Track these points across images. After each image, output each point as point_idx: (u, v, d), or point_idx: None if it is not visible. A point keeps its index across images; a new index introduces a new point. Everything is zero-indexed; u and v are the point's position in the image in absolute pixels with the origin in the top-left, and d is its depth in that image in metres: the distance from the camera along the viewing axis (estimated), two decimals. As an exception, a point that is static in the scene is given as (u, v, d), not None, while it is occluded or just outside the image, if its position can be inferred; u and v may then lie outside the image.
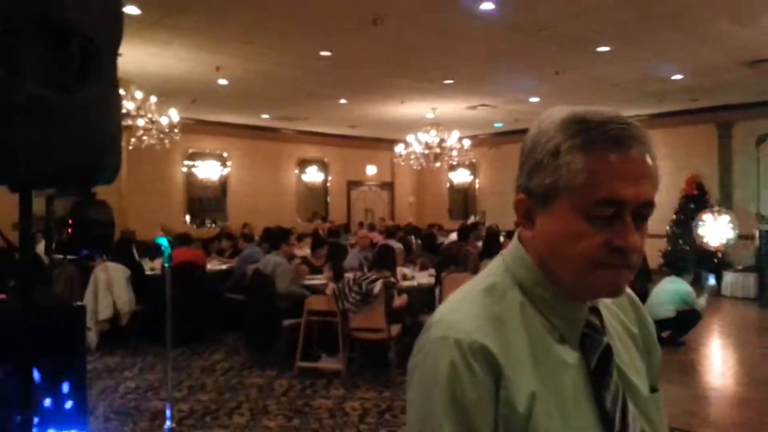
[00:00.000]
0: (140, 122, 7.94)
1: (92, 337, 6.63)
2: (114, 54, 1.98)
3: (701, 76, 9.38)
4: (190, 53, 7.73)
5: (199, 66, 8.29)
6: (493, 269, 1.03)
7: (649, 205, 0.91)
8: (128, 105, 7.71)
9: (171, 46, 7.39)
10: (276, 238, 6.76)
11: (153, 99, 8.06)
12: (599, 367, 0.96)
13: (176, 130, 8.59)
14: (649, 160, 0.91)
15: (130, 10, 6.01)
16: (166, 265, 2.91)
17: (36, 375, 2.01)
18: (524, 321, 0.94)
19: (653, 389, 1.04)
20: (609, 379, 0.95)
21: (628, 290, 1.10)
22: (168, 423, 2.60)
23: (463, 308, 0.96)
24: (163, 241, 2.81)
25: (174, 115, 8.59)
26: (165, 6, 6.13)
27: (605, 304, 1.04)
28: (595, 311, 1.00)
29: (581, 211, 0.89)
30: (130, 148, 8.48)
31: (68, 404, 2.12)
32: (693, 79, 9.53)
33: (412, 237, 10.83)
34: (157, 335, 6.75)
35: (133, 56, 7.49)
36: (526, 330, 0.94)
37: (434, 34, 7.21)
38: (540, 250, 0.96)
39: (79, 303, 2.33)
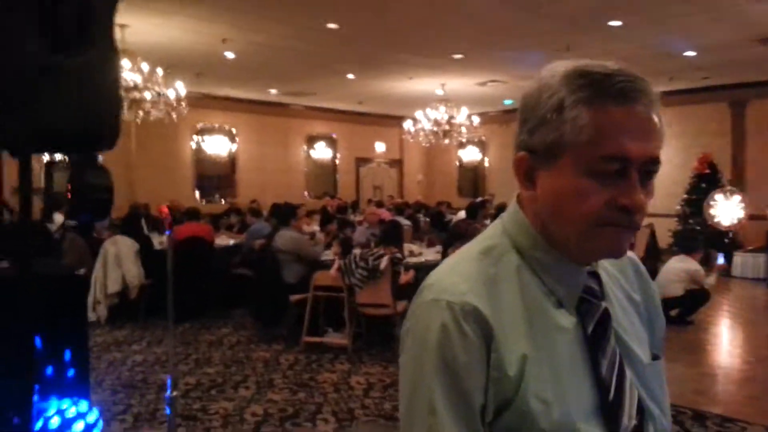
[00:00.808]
0: (147, 95, 7.89)
1: (102, 311, 6.70)
2: (111, 18, 1.95)
3: (713, 53, 9.21)
4: (195, 24, 7.65)
5: (204, 38, 8.20)
6: (490, 232, 1.02)
7: (655, 162, 0.88)
8: (135, 77, 7.65)
9: (176, 16, 7.30)
10: (285, 214, 6.74)
11: (159, 71, 8.00)
12: (596, 332, 0.94)
13: (183, 104, 8.53)
14: (655, 115, 0.87)
15: (135, -21, 5.95)
16: (167, 232, 2.90)
17: (38, 342, 2.02)
18: (520, 284, 0.93)
19: (655, 357, 1.02)
20: (606, 345, 0.94)
21: (633, 255, 1.08)
22: (169, 392, 2.61)
23: (457, 270, 0.94)
24: (164, 210, 2.79)
25: (181, 88, 8.53)
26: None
27: (607, 270, 1.02)
28: (594, 276, 0.98)
29: (586, 167, 0.86)
30: (138, 121, 8.45)
31: (70, 372, 2.13)
32: (705, 56, 9.36)
33: (421, 214, 10.83)
34: (166, 309, 6.81)
35: (138, 27, 7.42)
36: (521, 293, 0.92)
37: (442, 8, 7.09)
38: (541, 210, 0.93)
39: (81, 271, 2.32)
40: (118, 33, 8.01)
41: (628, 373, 0.94)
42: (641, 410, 0.95)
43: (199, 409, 4.15)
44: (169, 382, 2.57)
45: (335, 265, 5.69)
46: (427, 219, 10.39)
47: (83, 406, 2.12)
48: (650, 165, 0.87)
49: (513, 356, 0.87)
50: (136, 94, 7.70)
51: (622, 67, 0.88)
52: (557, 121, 0.87)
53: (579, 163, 0.86)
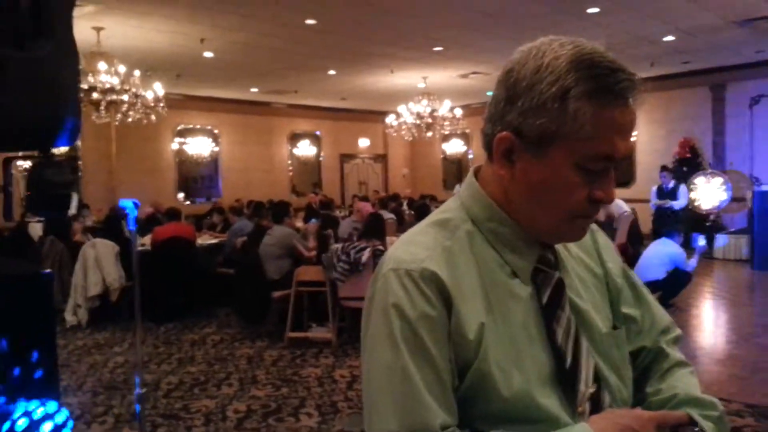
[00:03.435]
0: (125, 97, 7.83)
1: (82, 314, 6.64)
2: (69, 10, 1.93)
3: (693, 37, 9.26)
4: (172, 25, 7.60)
5: (182, 38, 8.16)
6: (448, 206, 1.02)
7: (628, 158, 0.91)
8: (112, 80, 7.60)
9: (152, 17, 7.25)
10: (279, 211, 6.75)
11: (137, 73, 7.94)
12: (551, 301, 0.95)
13: (162, 105, 8.48)
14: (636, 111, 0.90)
15: (107, -20, 5.90)
16: (132, 228, 2.86)
17: (3, 345, 2.00)
18: (475, 255, 0.94)
19: (615, 327, 1.03)
20: (561, 313, 0.95)
21: (593, 228, 1.10)
22: (137, 390, 2.59)
23: (414, 241, 0.95)
24: (128, 204, 2.76)
25: (159, 89, 8.47)
26: (142, -25, 6.00)
27: (567, 246, 1.04)
28: (549, 247, 0.99)
29: (577, 162, 0.87)
30: (116, 123, 8.39)
31: (38, 373, 2.11)
32: (684, 40, 9.41)
33: (405, 207, 10.82)
34: (149, 310, 6.78)
35: (114, 30, 7.37)
36: (477, 264, 0.93)
37: (419, -1, 7.08)
38: (515, 191, 0.93)
39: (47, 270, 2.29)
40: (94, 36, 7.90)
41: (584, 342, 0.95)
42: (598, 379, 0.95)
43: (180, 408, 4.14)
44: (137, 380, 2.56)
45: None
46: (412, 212, 10.39)
47: (52, 407, 2.10)
48: (624, 161, 0.91)
49: (472, 322, 0.88)
50: (113, 97, 7.64)
51: (621, 62, 0.88)
52: (558, 110, 0.85)
53: (571, 156, 0.87)
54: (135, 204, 2.73)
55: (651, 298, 1.14)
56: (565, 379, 0.92)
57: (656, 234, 8.78)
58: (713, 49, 10.12)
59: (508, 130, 0.90)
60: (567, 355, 0.92)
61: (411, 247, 0.93)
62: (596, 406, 0.94)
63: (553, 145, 0.87)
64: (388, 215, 8.61)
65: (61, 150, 10.41)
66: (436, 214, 1.00)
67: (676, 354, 1.09)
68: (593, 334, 0.97)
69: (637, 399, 1.03)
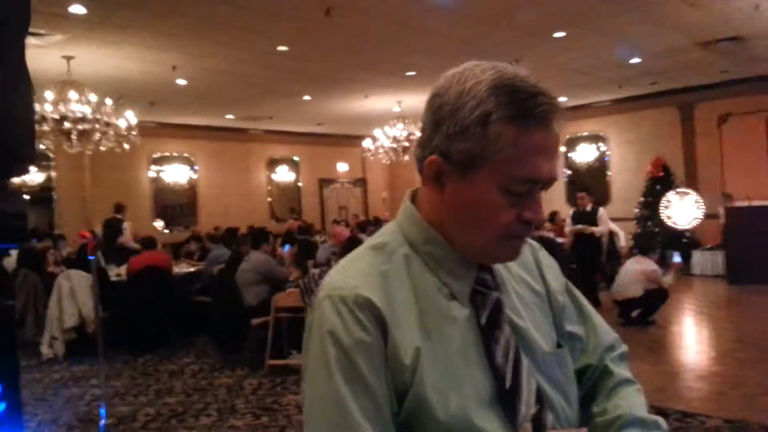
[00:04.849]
0: (96, 126, 7.76)
1: (59, 347, 6.52)
2: (21, 40, 1.91)
3: (659, 59, 9.48)
4: (144, 53, 7.58)
5: (154, 66, 8.13)
6: (386, 229, 1.03)
7: (554, 181, 0.91)
8: (83, 109, 7.53)
9: (122, 46, 7.23)
10: (257, 238, 6.69)
11: (108, 101, 7.89)
12: (489, 322, 0.94)
13: (134, 133, 8.41)
14: (560, 134, 0.91)
15: (75, 9, 5.86)
16: (91, 258, 2.82)
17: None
18: (412, 278, 0.93)
19: (559, 346, 1.03)
20: (499, 334, 0.94)
21: (532, 242, 1.10)
22: (103, 422, 2.53)
23: (349, 267, 0.95)
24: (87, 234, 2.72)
25: (131, 117, 8.40)
26: (111, 4, 5.95)
27: (507, 265, 1.04)
28: (487, 267, 0.99)
29: (501, 184, 0.88)
30: (89, 152, 8.29)
31: (0, 406, 2.05)
32: (651, 62, 9.63)
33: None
34: (126, 341, 6.65)
35: (85, 58, 7.32)
36: (413, 287, 0.93)
37: (390, 24, 7.16)
38: (446, 214, 0.94)
39: (9, 302, 2.23)
40: (64, 65, 7.83)
41: (525, 361, 0.94)
42: (541, 399, 0.94)
43: (157, 441, 4.04)
44: (102, 412, 2.49)
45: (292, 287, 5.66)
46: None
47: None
48: (550, 184, 0.91)
49: (408, 347, 0.87)
50: (84, 126, 7.57)
51: (542, 85, 0.89)
52: (480, 135, 0.87)
53: (496, 179, 0.88)
54: (92, 233, 2.69)
55: (596, 316, 1.13)
56: (504, 400, 0.90)
57: (578, 255, 7.88)
58: (680, 70, 10.35)
59: (436, 153, 0.91)
60: (507, 376, 0.91)
61: (346, 273, 0.93)
62: (538, 426, 0.92)
63: (478, 168, 0.88)
64: (366, 239, 8.60)
65: (36, 181, 10.15)
66: (373, 239, 1.00)
67: (622, 372, 1.08)
68: (535, 354, 0.97)
69: (584, 418, 1.03)
